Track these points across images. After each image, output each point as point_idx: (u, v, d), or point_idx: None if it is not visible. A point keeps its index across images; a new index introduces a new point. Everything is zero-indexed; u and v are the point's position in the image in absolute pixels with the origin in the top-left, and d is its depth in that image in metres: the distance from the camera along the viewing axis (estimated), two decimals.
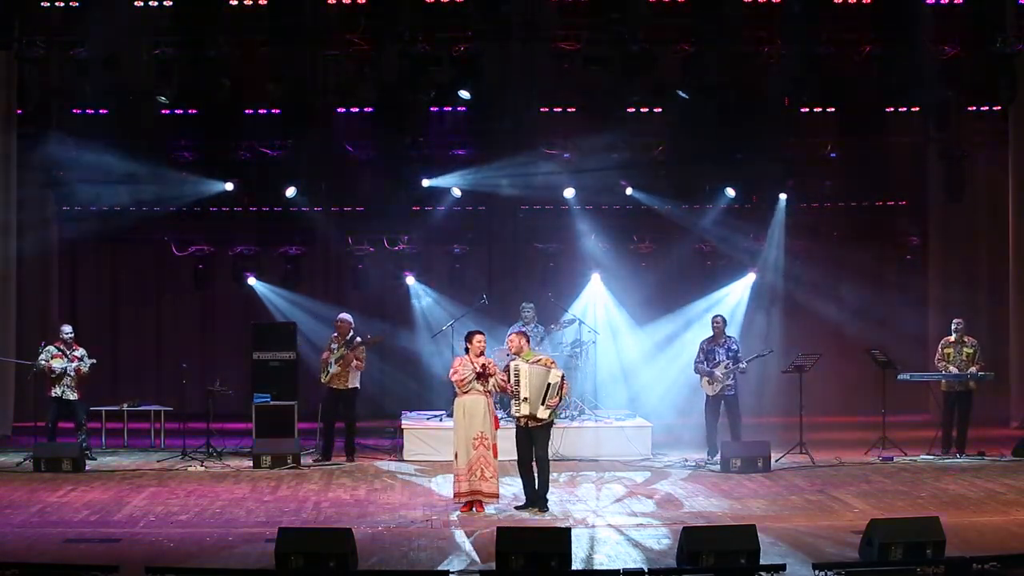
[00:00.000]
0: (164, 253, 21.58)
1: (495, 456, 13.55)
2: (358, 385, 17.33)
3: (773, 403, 18.67)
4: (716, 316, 17.56)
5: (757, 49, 18.99)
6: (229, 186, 19.92)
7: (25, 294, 20.10)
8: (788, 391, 17.40)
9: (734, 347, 17.19)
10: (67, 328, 17.15)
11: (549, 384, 13.46)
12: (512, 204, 21.03)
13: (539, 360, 13.72)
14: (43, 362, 16.81)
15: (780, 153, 19.93)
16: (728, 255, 21.30)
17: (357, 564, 10.76)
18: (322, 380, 17.36)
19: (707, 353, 17.14)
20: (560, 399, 13.74)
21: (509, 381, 13.53)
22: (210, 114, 19.26)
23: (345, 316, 17.48)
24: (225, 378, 18.14)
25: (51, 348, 16.93)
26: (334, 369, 17.14)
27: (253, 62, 18.79)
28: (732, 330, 18.30)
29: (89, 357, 16.99)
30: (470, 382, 13.50)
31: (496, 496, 13.61)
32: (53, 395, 16.91)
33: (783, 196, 20.67)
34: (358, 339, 17.21)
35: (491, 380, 13.51)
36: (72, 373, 16.81)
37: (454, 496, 13.67)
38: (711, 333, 17.35)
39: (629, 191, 20.51)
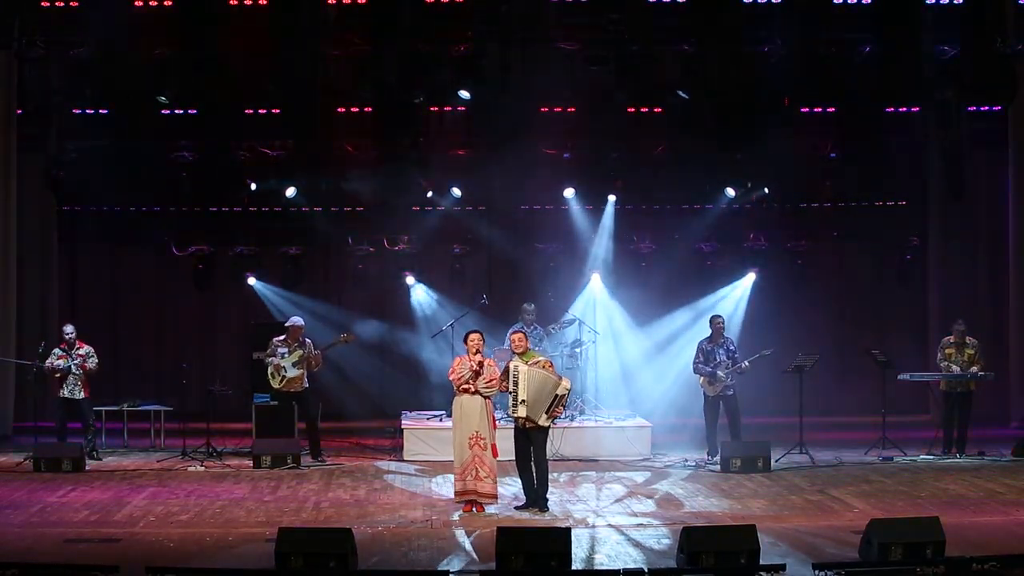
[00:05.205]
0: (164, 253, 21.55)
1: (495, 456, 13.52)
2: (308, 385, 17.15)
3: (773, 403, 18.65)
4: (716, 316, 17.51)
5: (757, 49, 19.02)
6: (236, 185, 19.93)
7: (25, 294, 20.07)
8: (788, 391, 17.38)
9: (732, 348, 17.18)
10: (68, 328, 17.16)
11: (557, 395, 13.45)
12: (512, 204, 21.01)
13: (538, 362, 13.68)
14: (48, 365, 16.87)
15: (779, 153, 19.92)
16: (728, 255, 21.28)
17: (357, 564, 10.75)
18: (275, 386, 17.06)
19: (707, 354, 17.11)
20: (563, 409, 13.91)
21: (507, 382, 13.52)
22: (210, 114, 19.24)
23: (296, 320, 17.33)
24: (225, 378, 18.10)
25: (56, 350, 16.97)
26: (293, 373, 16.94)
27: (253, 62, 18.81)
28: (732, 330, 18.28)
29: (93, 355, 17.01)
30: (467, 381, 13.49)
31: (493, 497, 13.56)
32: (61, 395, 16.99)
33: (766, 190, 20.65)
34: (308, 341, 17.05)
35: (479, 379, 13.42)
36: (76, 371, 16.85)
37: (455, 496, 13.69)
38: (710, 333, 17.33)
39: (611, 198, 20.50)
